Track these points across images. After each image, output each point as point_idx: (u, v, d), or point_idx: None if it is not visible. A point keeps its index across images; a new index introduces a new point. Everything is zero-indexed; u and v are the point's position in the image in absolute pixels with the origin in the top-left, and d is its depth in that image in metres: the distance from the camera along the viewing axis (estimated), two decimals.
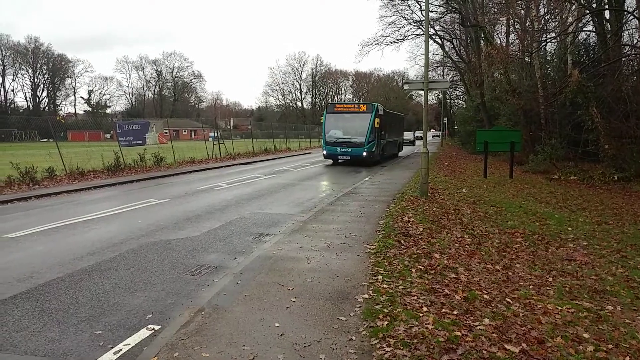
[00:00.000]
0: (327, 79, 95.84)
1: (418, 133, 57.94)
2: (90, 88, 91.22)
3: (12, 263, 6.07)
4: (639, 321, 4.42)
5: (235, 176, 16.99)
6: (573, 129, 19.27)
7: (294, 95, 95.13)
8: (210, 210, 9.93)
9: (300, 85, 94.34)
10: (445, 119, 50.36)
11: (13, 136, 58.10)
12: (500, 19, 25.11)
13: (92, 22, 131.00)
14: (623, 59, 17.11)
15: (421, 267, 5.56)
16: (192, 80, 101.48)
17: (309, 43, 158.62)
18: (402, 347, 3.49)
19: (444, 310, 4.26)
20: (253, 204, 10.80)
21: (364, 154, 20.52)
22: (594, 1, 19.21)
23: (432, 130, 74.84)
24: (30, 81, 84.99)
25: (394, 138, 26.80)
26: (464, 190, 13.28)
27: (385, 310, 4.19)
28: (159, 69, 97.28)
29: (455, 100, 60.78)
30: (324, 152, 21.87)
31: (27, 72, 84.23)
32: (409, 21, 33.13)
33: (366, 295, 4.61)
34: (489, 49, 21.29)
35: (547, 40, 21.80)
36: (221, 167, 21.23)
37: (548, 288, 5.33)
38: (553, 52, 23.54)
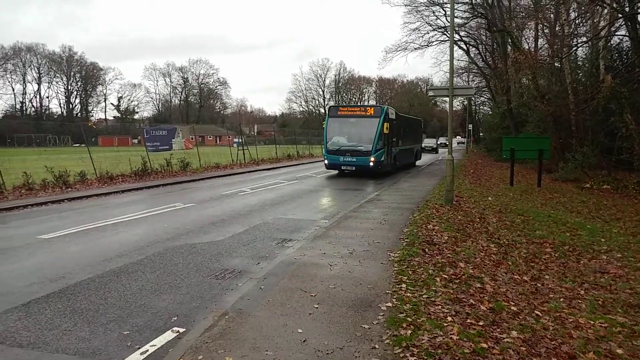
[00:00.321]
0: (350, 85, 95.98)
1: (442, 140, 57.08)
2: (119, 95, 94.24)
3: (46, 263, 6.29)
4: None
5: (258, 182, 17.15)
6: (606, 136, 18.66)
7: (317, 101, 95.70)
8: (234, 215, 10.05)
9: (323, 91, 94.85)
10: (470, 125, 49.58)
11: (48, 141, 60.45)
12: (529, 23, 24.64)
13: (122, 31, 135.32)
14: None
15: (446, 276, 5.47)
16: (218, 87, 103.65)
17: (333, 50, 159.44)
18: (426, 357, 3.44)
19: (469, 320, 4.18)
20: (276, 209, 10.86)
21: (371, 163, 17.87)
22: (627, 5, 18.61)
23: (457, 137, 73.80)
24: (65, 88, 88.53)
25: (409, 145, 24.18)
26: (489, 198, 13.02)
27: (408, 319, 4.13)
28: (186, 76, 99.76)
29: (481, 107, 59.88)
30: (326, 161, 19.30)
31: (62, 79, 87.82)
32: (434, 27, 32.85)
33: (389, 304, 4.57)
34: (517, 54, 20.87)
35: (578, 45, 21.21)
36: (245, 172, 21.48)
37: (580, 301, 5.16)
38: (584, 56, 22.92)
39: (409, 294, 4.79)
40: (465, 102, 50.88)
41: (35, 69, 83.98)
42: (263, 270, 5.80)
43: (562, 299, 5.19)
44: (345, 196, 13.42)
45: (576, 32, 20.78)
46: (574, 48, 21.06)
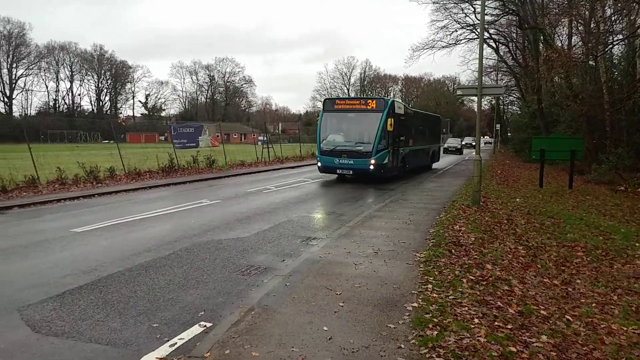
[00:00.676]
0: (376, 83, 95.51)
1: (467, 140, 55.80)
2: (147, 92, 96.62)
3: (79, 256, 6.50)
4: None
5: (283, 179, 17.26)
6: None
7: None
8: (259, 212, 10.15)
9: (348, 90, 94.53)
10: (498, 125, 48.49)
11: (79, 137, 62.53)
12: (562, 20, 23.88)
13: (151, 29, 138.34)
14: None
15: (472, 277, 5.39)
16: (243, 85, 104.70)
17: (359, 48, 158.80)
18: (452, 359, 3.39)
19: (496, 323, 4.10)
20: (300, 207, 10.91)
21: (371, 167, 15.17)
22: None
23: (484, 137, 72.45)
24: (95, 86, 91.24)
25: (423, 145, 21.31)
26: (517, 199, 12.73)
27: (435, 319, 4.09)
28: (212, 74, 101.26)
29: (509, 106, 58.50)
30: (319, 164, 16.48)
31: (93, 77, 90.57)
32: (462, 25, 32.20)
33: (415, 304, 4.53)
34: (549, 52, 20.31)
35: (614, 43, 20.45)
36: (269, 170, 21.66)
37: (612, 307, 4.99)
38: (620, 55, 22.13)
39: (435, 295, 4.74)
40: (494, 102, 49.82)
41: (68, 67, 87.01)
42: (288, 268, 5.84)
43: (594, 304, 5.03)
44: (370, 195, 13.36)
45: (612, 30, 20.01)
46: (610, 46, 20.33)
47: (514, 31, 33.74)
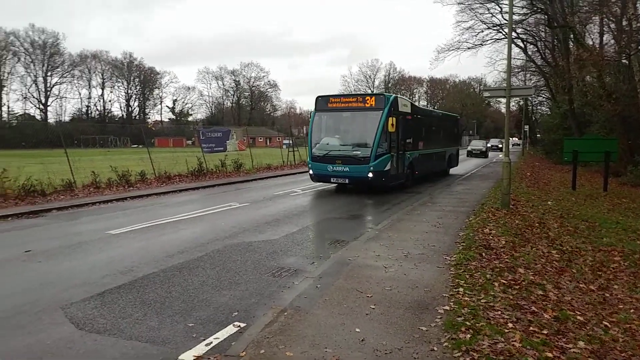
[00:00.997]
0: (401, 85, 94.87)
1: (493, 142, 54.45)
2: (174, 98, 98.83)
3: (116, 257, 6.74)
4: None
5: (308, 182, 17.34)
6: None
7: None
8: (287, 214, 10.26)
9: (372, 92, 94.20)
10: (526, 126, 47.35)
11: (110, 142, 64.53)
12: (593, 18, 23.23)
13: (178, 36, 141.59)
14: None
15: (504, 281, 5.32)
16: (268, 90, 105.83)
17: (382, 51, 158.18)
18: None
19: (531, 328, 4.04)
20: (327, 210, 10.99)
21: (370, 175, 13.16)
22: None
23: (512, 138, 70.92)
24: (125, 92, 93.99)
25: (437, 149, 19.03)
26: (549, 202, 12.43)
27: (467, 323, 4.07)
28: (237, 79, 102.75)
29: (538, 107, 57.09)
30: (310, 172, 14.56)
31: (122, 84, 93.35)
32: (488, 25, 31.64)
33: (447, 307, 4.51)
34: (580, 51, 19.78)
35: None
36: (295, 173, 21.82)
37: None
38: None
39: (466, 298, 4.71)
40: (522, 103, 48.72)
41: (100, 74, 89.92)
42: (318, 270, 5.90)
43: (632, 310, 4.88)
44: (397, 199, 13.30)
45: None
46: None
47: (543, 30, 32.95)
